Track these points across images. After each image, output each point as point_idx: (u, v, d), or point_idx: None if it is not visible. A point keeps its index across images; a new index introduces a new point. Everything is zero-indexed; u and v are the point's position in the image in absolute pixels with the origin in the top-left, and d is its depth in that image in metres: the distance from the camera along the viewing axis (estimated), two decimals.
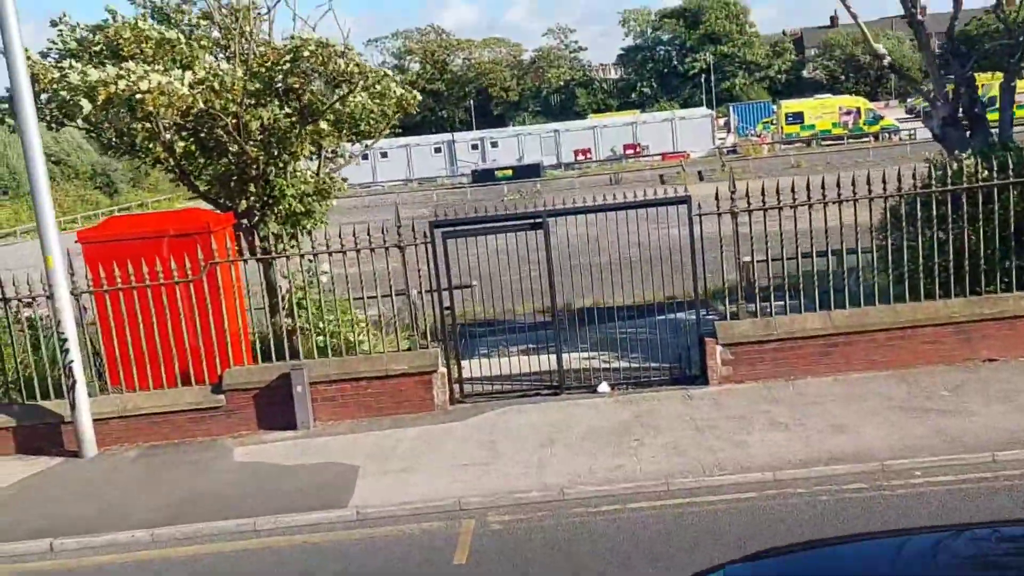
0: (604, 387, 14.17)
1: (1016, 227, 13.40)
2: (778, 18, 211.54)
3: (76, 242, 14.88)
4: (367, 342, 16.07)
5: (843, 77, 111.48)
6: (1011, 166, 13.19)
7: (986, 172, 13.25)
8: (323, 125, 16.64)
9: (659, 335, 15.26)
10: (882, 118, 73.48)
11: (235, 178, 16.44)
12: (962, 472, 10.53)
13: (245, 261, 14.95)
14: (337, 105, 16.12)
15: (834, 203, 13.61)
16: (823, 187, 13.55)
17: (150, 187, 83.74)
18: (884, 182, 13.51)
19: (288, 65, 15.10)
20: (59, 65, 14.92)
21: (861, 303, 13.67)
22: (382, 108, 17.48)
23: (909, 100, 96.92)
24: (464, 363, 14.81)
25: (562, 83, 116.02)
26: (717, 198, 13.61)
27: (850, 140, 71.08)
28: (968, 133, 16.65)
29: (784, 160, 58.54)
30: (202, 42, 15.93)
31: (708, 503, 10.49)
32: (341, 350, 15.01)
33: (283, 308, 15.83)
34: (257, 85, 15.58)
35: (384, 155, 74.03)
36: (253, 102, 15.62)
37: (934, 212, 13.36)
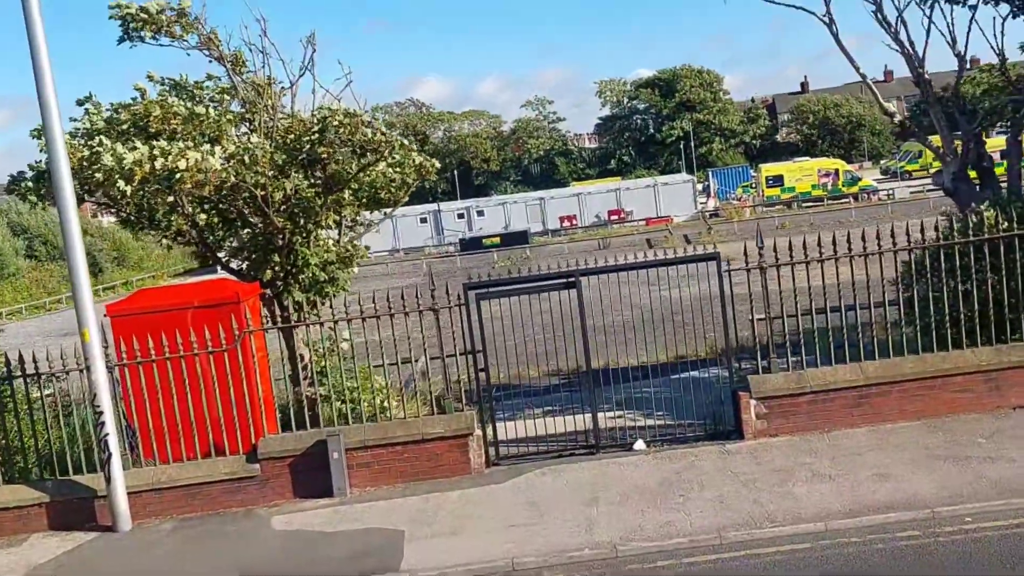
0: (640, 444, 14.24)
1: None
2: (746, 86, 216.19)
3: (105, 315, 14.92)
4: (389, 408, 16.12)
5: (818, 141, 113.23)
6: None
7: (1006, 223, 13.56)
8: (345, 194, 16.91)
9: (691, 391, 15.37)
10: (860, 179, 74.73)
11: (260, 248, 16.57)
12: (1013, 517, 10.64)
13: (280, 329, 15.00)
14: (360, 174, 16.37)
15: (860, 256, 13.87)
16: (849, 241, 13.83)
17: (134, 265, 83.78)
18: (908, 235, 13.80)
19: (317, 135, 15.37)
20: (89, 144, 15.10)
21: (890, 354, 13.86)
22: (402, 176, 17.75)
23: (883, 162, 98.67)
24: (498, 425, 14.83)
25: (542, 153, 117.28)
26: (746, 254, 13.85)
27: (829, 201, 72.07)
28: (978, 186, 17.05)
29: (769, 222, 59.19)
30: (228, 116, 16.14)
31: (764, 555, 10.55)
32: (362, 416, 14.94)
33: (307, 376, 15.92)
34: (283, 156, 15.83)
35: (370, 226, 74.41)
36: (277, 173, 15.84)
37: (957, 263, 13.64)
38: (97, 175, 14.11)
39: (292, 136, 16.03)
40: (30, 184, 16.31)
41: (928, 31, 16.36)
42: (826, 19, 16.58)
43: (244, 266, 17.30)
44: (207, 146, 14.68)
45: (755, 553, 10.63)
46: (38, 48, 12.99)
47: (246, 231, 17.15)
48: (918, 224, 14.32)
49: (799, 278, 13.94)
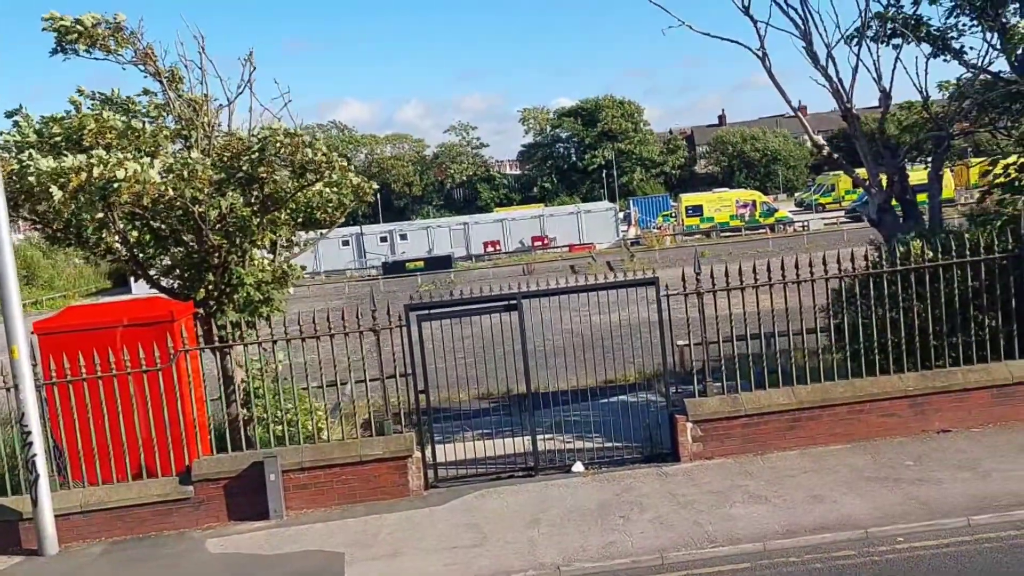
0: (578, 467, 14.34)
1: (960, 304, 14.19)
2: (664, 117, 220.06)
3: (32, 332, 14.53)
4: (325, 430, 16.01)
5: (735, 172, 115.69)
6: (954, 248, 14.03)
7: (931, 254, 14.07)
8: (281, 214, 16.78)
9: (626, 415, 15.56)
10: (776, 211, 76.37)
11: (193, 267, 16.33)
12: (942, 536, 10.97)
13: (216, 349, 14.77)
14: (298, 194, 16.26)
15: (793, 283, 14.23)
16: (783, 268, 14.19)
17: (44, 284, 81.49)
18: (838, 263, 14.23)
19: (257, 154, 15.23)
20: (18, 157, 14.75)
21: (821, 379, 14.23)
22: (339, 197, 17.67)
23: (797, 194, 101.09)
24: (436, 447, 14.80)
25: (464, 178, 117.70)
26: (684, 279, 14.10)
27: (747, 232, 73.51)
28: (901, 218, 17.63)
29: (689, 250, 60.04)
30: (164, 131, 15.90)
31: (710, 572, 10.70)
32: (298, 438, 14.82)
33: (239, 397, 15.72)
34: (220, 174, 15.64)
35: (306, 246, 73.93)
36: (214, 191, 15.65)
37: (885, 291, 14.07)
38: (30, 179, 13.74)
39: (230, 154, 15.86)
40: None
41: (856, 68, 16.93)
42: (759, 53, 17.05)
43: (176, 285, 17.01)
44: (145, 159, 14.44)
45: (696, 573, 10.79)
46: None
47: (179, 249, 16.88)
48: (837, 254, 14.87)
49: (733, 304, 14.27)
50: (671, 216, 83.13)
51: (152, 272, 17.42)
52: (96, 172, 13.79)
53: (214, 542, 13.15)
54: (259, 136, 15.29)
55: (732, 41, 17.22)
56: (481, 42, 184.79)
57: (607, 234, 77.01)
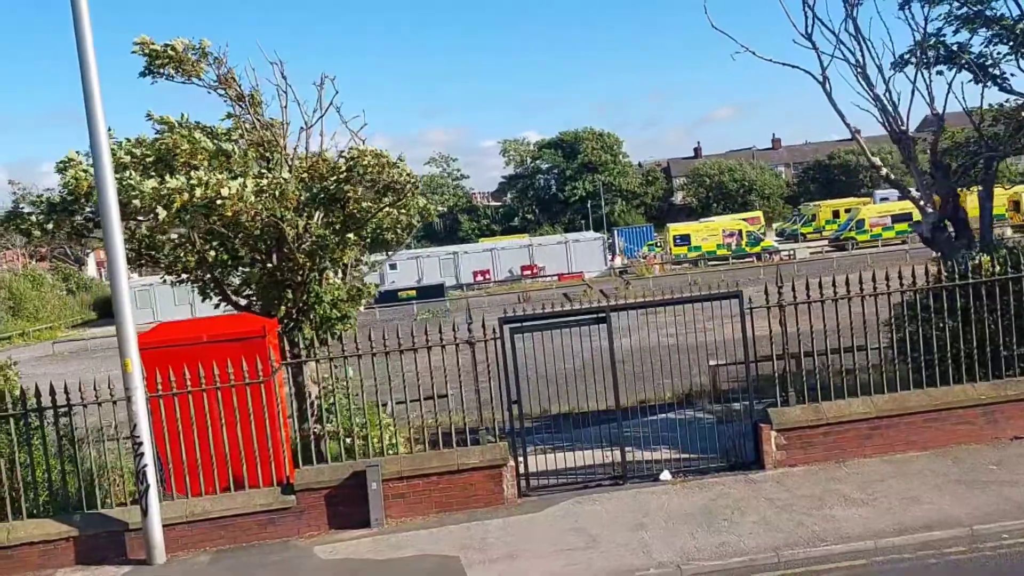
0: (666, 475, 14.80)
1: None
2: (635, 150, 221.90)
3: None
4: (396, 446, 16.35)
5: (712, 204, 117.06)
6: (1022, 262, 14.72)
7: (999, 267, 14.75)
8: (350, 235, 17.22)
9: (694, 426, 16.05)
10: (763, 239, 77.49)
11: (274, 285, 16.69)
12: None
13: (318, 361, 15.14)
14: (379, 214, 16.73)
15: (870, 295, 14.85)
16: (860, 282, 14.81)
17: (30, 316, 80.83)
18: (914, 277, 14.87)
19: (345, 174, 15.70)
20: (117, 177, 15.13)
21: (897, 389, 14.81)
22: (408, 218, 18.15)
23: (777, 224, 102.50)
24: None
25: (446, 209, 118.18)
26: (767, 293, 14.68)
27: (734, 260, 74.51)
28: (954, 236, 18.36)
29: (682, 278, 60.91)
30: (251, 153, 16.32)
31: (825, 570, 11.22)
32: (369, 453, 15.00)
33: (313, 413, 16.05)
34: (305, 194, 16.09)
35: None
36: (300, 210, 16.09)
37: (957, 304, 14.72)
38: (135, 202, 14.14)
39: (315, 174, 16.34)
40: (41, 216, 16.09)
41: (912, 93, 17.68)
42: (820, 79, 17.77)
43: (253, 303, 17.38)
44: (238, 179, 14.86)
45: (814, 570, 11.28)
46: (91, 87, 13.13)
47: (257, 267, 17.25)
48: (899, 271, 15.42)
49: (801, 319, 14.84)
50: (656, 245, 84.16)
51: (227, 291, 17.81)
52: (198, 192, 14.22)
53: (321, 549, 13.46)
54: (348, 156, 15.75)
55: (794, 67, 17.95)
56: (446, 79, 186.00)
57: (596, 263, 77.68)
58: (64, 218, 16.13)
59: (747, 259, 74.33)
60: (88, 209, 16.10)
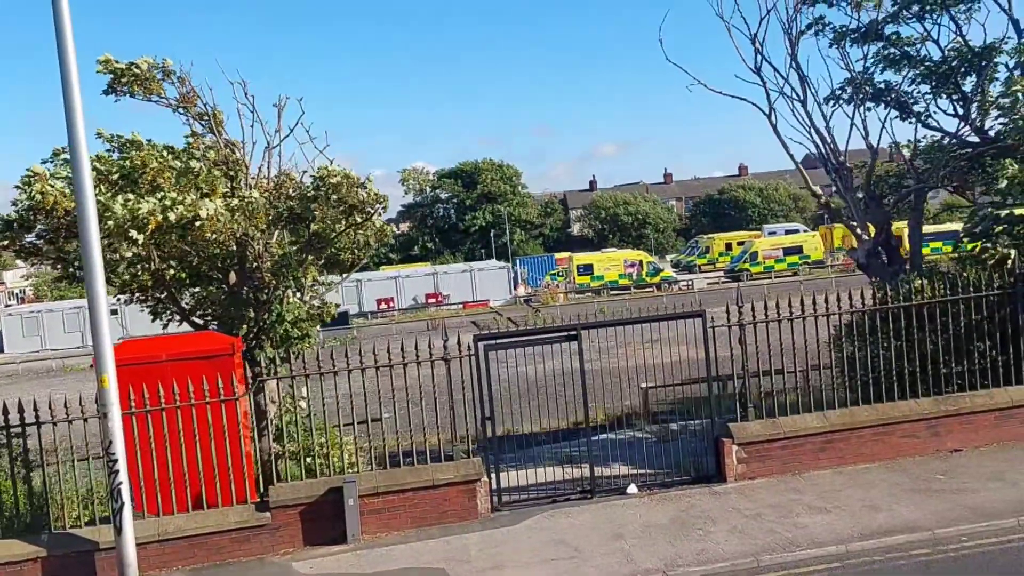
0: (633, 488, 15.27)
1: (965, 337, 15.87)
2: (531, 182, 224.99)
3: (90, 366, 14.67)
4: (357, 465, 16.43)
5: (608, 235, 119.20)
6: (959, 285, 15.75)
7: (941, 290, 15.74)
8: (312, 255, 17.31)
9: (651, 443, 16.60)
10: (662, 270, 79.44)
11: (236, 304, 16.64)
12: (1000, 534, 12.40)
13: (294, 378, 15.14)
14: (343, 234, 16.89)
15: (823, 316, 15.67)
16: (814, 304, 15.61)
17: None
18: (863, 299, 15.75)
19: (312, 192, 15.84)
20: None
21: (847, 404, 15.62)
22: (365, 238, 18.32)
23: (672, 256, 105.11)
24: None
25: None
26: (728, 313, 15.35)
27: (635, 290, 76.11)
28: (887, 262, 19.41)
29: (589, 306, 62.01)
30: (217, 172, 16.29)
31: (804, 573, 11.79)
32: (329, 473, 15.02)
33: (271, 432, 16.04)
34: (271, 213, 16.17)
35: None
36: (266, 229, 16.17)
37: (902, 324, 15.64)
38: (109, 223, 14.02)
39: (281, 193, 16.43)
40: None
41: (851, 127, 18.74)
42: (767, 111, 18.68)
43: (209, 322, 17.29)
44: (212, 200, 14.86)
45: (793, 572, 11.87)
46: (72, 102, 12.98)
47: (215, 286, 17.20)
48: (837, 295, 16.30)
49: (754, 336, 15.56)
50: (558, 275, 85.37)
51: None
52: (172, 215, 14.19)
53: (301, 565, 13.49)
54: (316, 175, 15.90)
55: (741, 99, 18.83)
56: (335, 104, 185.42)
57: (500, 292, 78.33)
58: (19, 235, 15.86)
59: (647, 288, 76.05)
60: (40, 226, 15.87)
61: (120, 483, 13.20)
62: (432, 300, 77.01)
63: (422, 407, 14.88)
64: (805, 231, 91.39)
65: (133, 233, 14.12)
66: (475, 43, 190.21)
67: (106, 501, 14.60)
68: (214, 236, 14.64)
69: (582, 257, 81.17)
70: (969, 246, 18.21)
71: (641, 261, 79.01)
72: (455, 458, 14.86)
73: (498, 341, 15.24)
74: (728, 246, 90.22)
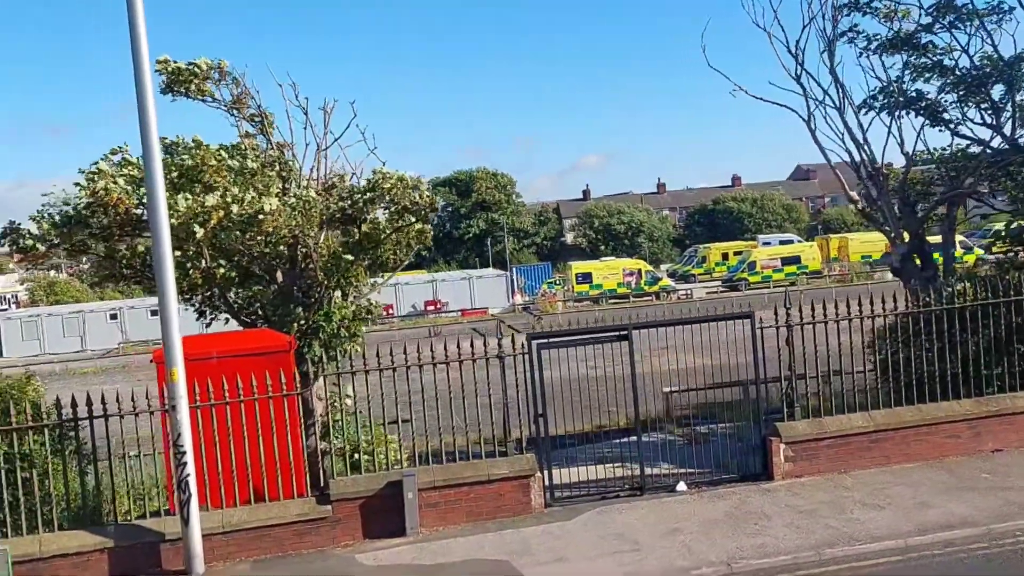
0: (682, 486, 15.54)
1: (1006, 339, 16.21)
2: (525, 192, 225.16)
3: (151, 361, 14.89)
4: (402, 461, 16.66)
5: (602, 245, 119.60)
6: (1001, 289, 16.10)
7: (983, 293, 16.09)
8: (364, 255, 17.56)
9: (701, 443, 16.89)
10: (660, 279, 79.85)
11: (286, 303, 16.86)
12: None
13: (353, 374, 15.34)
14: (393, 234, 17.15)
15: (868, 318, 16.01)
16: (860, 304, 15.94)
17: None
18: (906, 302, 16.09)
19: (368, 195, 16.12)
20: (139, 191, 15.23)
21: (892, 405, 15.95)
22: (407, 240, 18.57)
23: (668, 265, 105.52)
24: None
25: None
26: (776, 314, 15.67)
27: (634, 299, 76.46)
28: (920, 267, 19.78)
29: (590, 314, 62.40)
30: (272, 172, 16.53)
31: (868, 566, 12.08)
32: (373, 469, 15.24)
33: (319, 429, 16.24)
34: (324, 213, 16.42)
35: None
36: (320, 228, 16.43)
37: (945, 327, 15.97)
38: (172, 219, 14.24)
39: (336, 194, 16.70)
40: (52, 231, 15.93)
41: (888, 135, 19.11)
42: (805, 118, 19.04)
43: (257, 319, 17.49)
44: (274, 197, 15.12)
45: (855, 566, 12.13)
46: (145, 102, 13.25)
47: (262, 286, 17.43)
48: (882, 296, 16.65)
49: (801, 338, 15.87)
50: (555, 283, 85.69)
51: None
52: (235, 210, 14.45)
53: (363, 557, 13.70)
54: (372, 178, 16.20)
55: (782, 105, 19.19)
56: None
57: (498, 300, 78.61)
58: (77, 231, 16.06)
59: (646, 297, 76.45)
60: (97, 223, 16.08)
61: (188, 475, 13.45)
62: (431, 307, 77.24)
63: (464, 405, 15.08)
64: (799, 241, 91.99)
65: (195, 227, 14.36)
66: (454, 54, 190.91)
67: (163, 494, 14.89)
68: (273, 232, 14.86)
69: (581, 266, 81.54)
70: (1000, 250, 18.58)
71: (640, 270, 79.41)
72: (508, 454, 15.11)
73: (551, 340, 15.49)
74: (724, 256, 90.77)
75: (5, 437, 13.58)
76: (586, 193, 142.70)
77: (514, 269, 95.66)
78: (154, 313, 73.31)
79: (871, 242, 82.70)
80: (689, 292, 76.91)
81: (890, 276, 71.28)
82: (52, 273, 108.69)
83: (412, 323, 72.82)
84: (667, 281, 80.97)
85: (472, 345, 15.19)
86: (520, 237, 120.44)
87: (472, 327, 64.82)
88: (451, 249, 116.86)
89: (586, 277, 78.52)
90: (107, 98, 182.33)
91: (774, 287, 74.54)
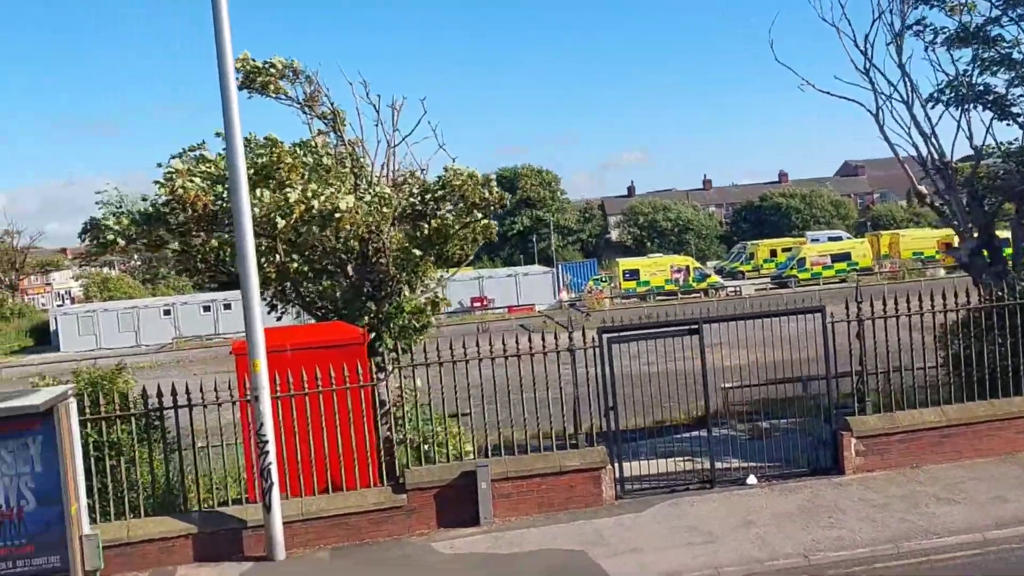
0: (752, 479, 15.61)
1: None
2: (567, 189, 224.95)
3: (231, 353, 15.26)
4: (471, 452, 16.88)
5: (647, 242, 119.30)
6: None
7: None
8: (433, 249, 17.81)
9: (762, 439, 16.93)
10: (709, 276, 79.40)
11: (357, 296, 17.15)
12: None
13: (428, 365, 15.54)
14: (462, 230, 17.38)
15: (940, 312, 15.98)
16: (932, 299, 15.92)
17: None
18: (979, 297, 16.04)
19: (440, 191, 16.37)
20: (215, 188, 15.58)
21: (963, 399, 15.89)
22: (473, 235, 18.78)
23: (715, 262, 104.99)
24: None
25: None
26: (847, 307, 15.69)
27: (681, 296, 76.19)
28: (988, 262, 19.63)
29: (636, 311, 62.33)
30: (346, 169, 16.82)
31: (947, 559, 12.12)
32: (439, 460, 15.45)
33: (387, 421, 16.47)
34: (397, 209, 16.70)
35: (227, 307, 74.07)
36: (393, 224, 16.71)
37: (1018, 321, 15.89)
38: (255, 211, 14.57)
39: (402, 190, 16.97)
40: (132, 228, 16.28)
41: (957, 129, 19.03)
42: (873, 111, 19.00)
43: (328, 312, 17.79)
44: (351, 193, 15.42)
45: (935, 559, 12.18)
46: (229, 98, 13.59)
47: (333, 280, 17.73)
48: (952, 291, 16.58)
49: (873, 332, 15.88)
50: (600, 280, 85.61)
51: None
52: (316, 204, 14.75)
53: (440, 545, 13.94)
54: (443, 175, 16.45)
55: (850, 99, 19.16)
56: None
57: (545, 296, 78.71)
58: (157, 228, 16.44)
59: (694, 294, 76.15)
60: (174, 220, 16.44)
61: (270, 463, 13.78)
62: (477, 304, 77.50)
63: (525, 400, 15.28)
64: (848, 238, 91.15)
65: (278, 220, 14.68)
66: (488, 52, 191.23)
67: (236, 483, 15.22)
68: (352, 228, 15.15)
69: (629, 262, 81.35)
70: None
71: (688, 267, 79.00)
72: (579, 447, 15.27)
73: (622, 334, 15.62)
74: (772, 252, 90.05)
75: (95, 425, 13.97)
76: (631, 190, 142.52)
77: (559, 266, 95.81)
78: (206, 309, 74.70)
79: (923, 239, 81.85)
80: (738, 289, 76.44)
81: (942, 273, 71.26)
82: (105, 270, 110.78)
83: (459, 320, 73.07)
84: (715, 278, 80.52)
85: (544, 339, 15.36)
86: (564, 234, 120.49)
87: (519, 324, 65.51)
88: (496, 246, 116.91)
89: (633, 274, 78.32)
90: (155, 96, 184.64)
91: (824, 284, 74.06)
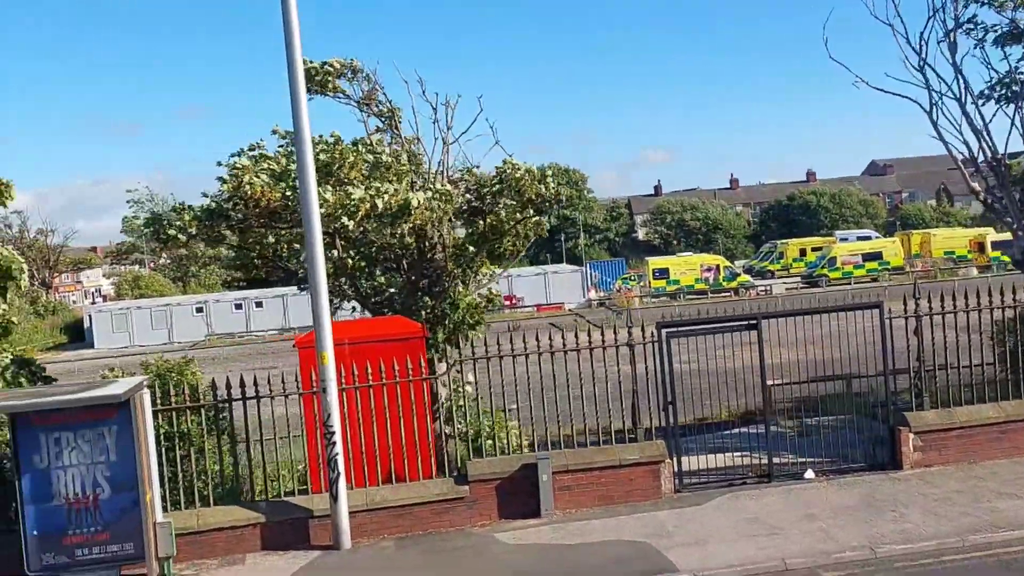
0: (810, 474, 15.70)
1: None
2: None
3: (294, 346, 15.50)
4: (523, 447, 17.02)
5: (674, 241, 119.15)
6: None
7: None
8: (489, 245, 17.99)
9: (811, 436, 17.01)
10: (739, 275, 79.23)
11: (414, 291, 17.35)
12: None
13: (489, 359, 15.71)
14: (517, 226, 17.56)
15: (998, 308, 16.03)
16: (989, 295, 15.96)
17: None
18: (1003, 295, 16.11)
19: (497, 187, 16.55)
20: (293, 184, 15.81)
21: (1021, 396, 15.91)
22: (525, 231, 18.95)
23: (744, 261, 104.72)
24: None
25: None
26: (905, 303, 15.76)
27: (712, 294, 76.06)
28: None
29: (669, 309, 62.38)
30: (405, 167, 17.02)
31: (1014, 552, 12.14)
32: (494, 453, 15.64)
33: (442, 416, 16.66)
34: (452, 205, 16.89)
35: (259, 304, 74.59)
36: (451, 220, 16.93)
37: None
38: (321, 209, 14.80)
39: (458, 186, 17.17)
40: (193, 223, 16.52)
41: (1012, 124, 18.99)
42: (926, 108, 19.00)
43: (384, 307, 18.00)
44: (421, 191, 15.64)
45: (1001, 552, 12.21)
46: (298, 100, 13.84)
47: (391, 275, 17.95)
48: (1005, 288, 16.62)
49: (931, 328, 15.91)
50: (629, 279, 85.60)
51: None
52: (380, 203, 14.96)
53: (502, 535, 14.11)
54: (501, 168, 16.62)
55: (904, 96, 19.18)
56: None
57: (574, 295, 78.78)
58: (218, 224, 16.68)
59: (724, 293, 76.02)
60: (234, 215, 16.68)
61: (337, 454, 14.01)
62: (506, 302, 77.68)
63: (595, 393, 15.41)
64: (877, 237, 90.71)
65: (344, 219, 14.90)
66: (511, 51, 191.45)
67: (295, 475, 15.44)
68: (420, 224, 15.37)
69: (658, 261, 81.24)
70: None
71: (718, 266, 78.82)
72: (638, 440, 15.40)
73: (680, 329, 15.75)
74: (802, 252, 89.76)
75: (165, 416, 14.23)
76: (657, 189, 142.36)
77: (588, 264, 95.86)
78: (238, 307, 75.03)
79: (954, 238, 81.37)
80: (768, 288, 76.28)
81: (975, 272, 70.80)
82: (136, 268, 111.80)
83: (488, 318, 73.34)
84: (746, 277, 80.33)
85: (603, 333, 15.53)
86: (591, 233, 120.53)
87: (549, 322, 65.58)
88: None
89: (663, 272, 78.22)
90: (184, 97, 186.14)
91: (855, 283, 73.76)
